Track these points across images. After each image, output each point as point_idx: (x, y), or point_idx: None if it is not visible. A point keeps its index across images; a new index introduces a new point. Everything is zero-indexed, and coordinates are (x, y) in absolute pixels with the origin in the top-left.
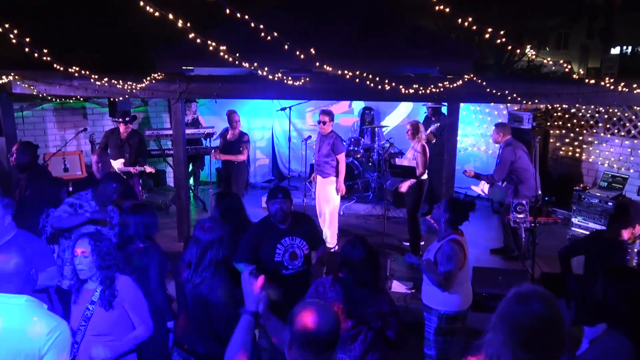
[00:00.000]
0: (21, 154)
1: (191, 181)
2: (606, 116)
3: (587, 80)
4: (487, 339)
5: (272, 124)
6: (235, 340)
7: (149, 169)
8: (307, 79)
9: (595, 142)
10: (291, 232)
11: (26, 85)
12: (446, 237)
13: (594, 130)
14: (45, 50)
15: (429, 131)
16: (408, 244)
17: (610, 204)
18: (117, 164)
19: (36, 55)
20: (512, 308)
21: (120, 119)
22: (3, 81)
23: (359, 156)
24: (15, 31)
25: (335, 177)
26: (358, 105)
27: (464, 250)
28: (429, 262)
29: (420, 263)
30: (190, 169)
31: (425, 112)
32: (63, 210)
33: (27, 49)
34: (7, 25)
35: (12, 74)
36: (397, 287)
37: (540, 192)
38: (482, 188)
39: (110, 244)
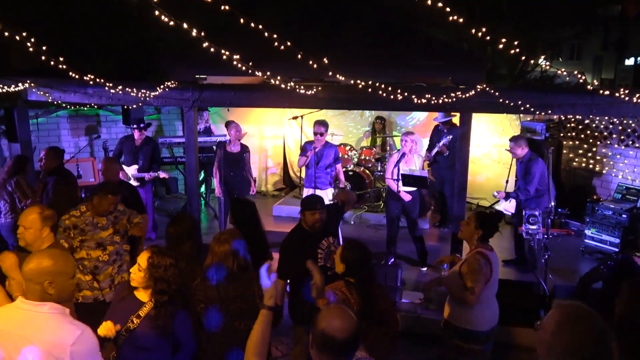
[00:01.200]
0: (51, 159)
1: (202, 189)
2: (620, 127)
3: (601, 91)
4: None
5: (283, 133)
6: (254, 334)
7: (162, 175)
8: (319, 88)
9: (610, 153)
10: (324, 233)
11: (41, 93)
12: (473, 250)
13: (608, 142)
14: (60, 58)
15: (441, 143)
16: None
17: (624, 216)
18: (131, 170)
19: (52, 63)
20: (569, 330)
21: (135, 126)
22: (19, 88)
23: (370, 165)
24: (32, 39)
25: (332, 188)
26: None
27: (490, 264)
28: (453, 274)
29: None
30: (201, 177)
31: (439, 126)
32: None
33: (43, 57)
34: (24, 34)
35: (28, 81)
36: (407, 297)
37: (554, 203)
38: (505, 207)
39: (173, 269)
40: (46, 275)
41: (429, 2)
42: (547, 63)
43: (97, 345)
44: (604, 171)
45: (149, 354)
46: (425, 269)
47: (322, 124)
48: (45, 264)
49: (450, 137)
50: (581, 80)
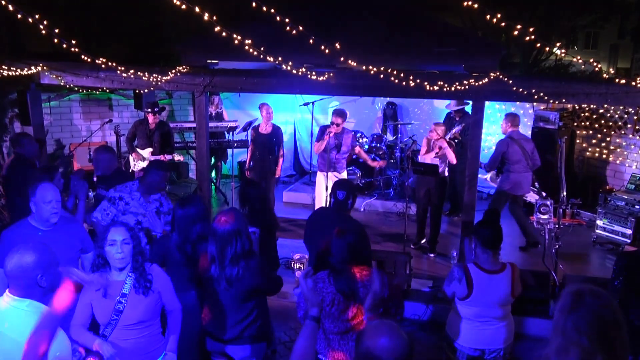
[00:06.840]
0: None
1: (213, 174)
2: (636, 117)
3: (617, 80)
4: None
5: (294, 119)
6: (298, 346)
7: (177, 158)
8: (331, 74)
9: (624, 143)
10: None
11: (54, 76)
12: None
13: (622, 132)
14: (73, 42)
15: (454, 131)
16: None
17: (637, 207)
18: (145, 154)
19: (64, 46)
20: (582, 303)
21: (149, 110)
22: (32, 72)
23: (381, 153)
24: (45, 22)
25: (346, 170)
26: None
27: (468, 281)
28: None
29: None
30: (212, 162)
31: (450, 114)
32: (102, 208)
33: (55, 40)
34: (37, 16)
35: (41, 64)
36: (416, 285)
37: (565, 193)
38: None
39: (137, 230)
40: (35, 270)
41: None
42: (562, 51)
43: (68, 350)
44: (618, 161)
45: (143, 327)
46: (433, 255)
47: (340, 115)
48: (29, 259)
49: (463, 124)
50: (597, 69)
